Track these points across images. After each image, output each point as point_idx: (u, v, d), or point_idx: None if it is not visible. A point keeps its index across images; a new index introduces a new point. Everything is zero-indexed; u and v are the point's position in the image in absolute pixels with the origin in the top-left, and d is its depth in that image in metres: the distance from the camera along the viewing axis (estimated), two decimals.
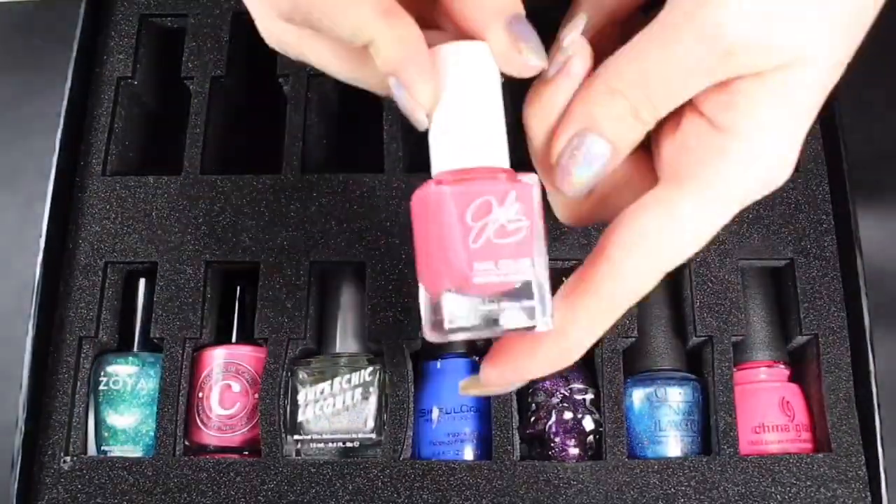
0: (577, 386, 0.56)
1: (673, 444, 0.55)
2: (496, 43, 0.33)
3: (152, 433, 0.56)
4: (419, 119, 0.33)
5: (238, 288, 0.60)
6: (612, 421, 0.54)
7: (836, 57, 0.32)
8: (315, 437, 0.56)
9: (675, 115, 0.33)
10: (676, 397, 0.56)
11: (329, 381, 0.57)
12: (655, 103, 0.32)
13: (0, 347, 0.64)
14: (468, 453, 0.56)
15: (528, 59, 0.33)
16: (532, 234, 0.33)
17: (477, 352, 0.58)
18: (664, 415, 0.56)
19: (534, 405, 0.56)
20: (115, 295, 0.59)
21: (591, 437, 0.55)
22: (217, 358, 0.58)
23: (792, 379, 0.58)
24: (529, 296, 0.33)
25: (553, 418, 0.55)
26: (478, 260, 0.33)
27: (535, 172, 0.35)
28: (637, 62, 0.32)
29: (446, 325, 0.33)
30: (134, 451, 0.57)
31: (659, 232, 0.32)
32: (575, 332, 0.33)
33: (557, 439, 0.55)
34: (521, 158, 0.36)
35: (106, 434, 0.57)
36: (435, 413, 0.57)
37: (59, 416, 0.56)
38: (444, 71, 0.33)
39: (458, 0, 0.33)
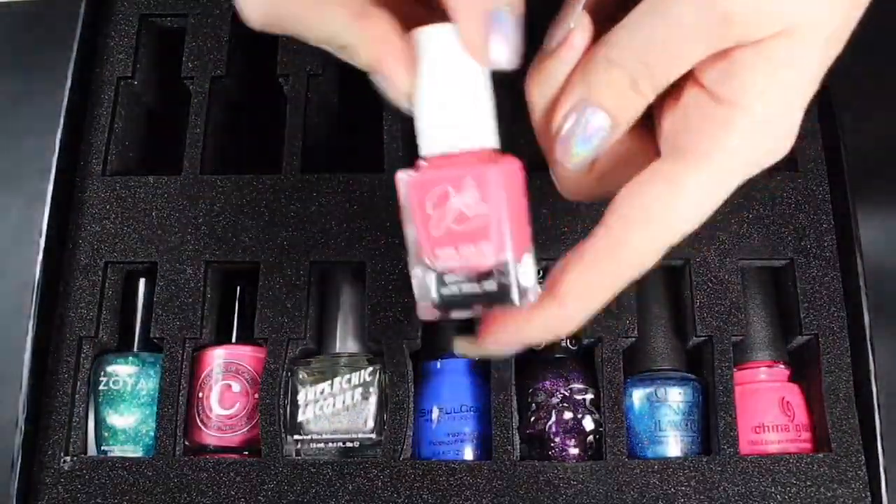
0: (577, 386, 0.56)
1: (673, 444, 0.55)
2: (463, 29, 0.34)
3: (152, 433, 0.56)
4: (404, 106, 0.35)
5: (238, 288, 0.60)
6: (612, 421, 0.54)
7: (836, 25, 0.32)
8: (315, 437, 0.56)
9: (676, 89, 0.33)
10: (676, 397, 0.56)
11: (329, 381, 0.57)
12: (654, 74, 0.32)
13: (0, 347, 0.65)
14: (468, 453, 0.56)
15: (491, 52, 0.34)
16: (494, 217, 0.34)
17: None
18: (664, 415, 0.56)
19: (534, 405, 0.56)
20: (115, 295, 0.59)
21: (591, 437, 0.55)
22: (217, 358, 0.58)
23: (792, 379, 0.58)
24: (504, 276, 0.34)
25: (553, 418, 0.55)
26: (439, 246, 0.34)
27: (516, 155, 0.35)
28: (634, 32, 0.32)
29: (428, 303, 0.34)
30: (134, 451, 0.57)
31: (661, 205, 0.33)
32: (572, 303, 0.34)
33: (557, 439, 0.55)
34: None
35: (106, 434, 0.57)
36: (435, 413, 0.57)
37: (59, 416, 0.56)
38: (421, 54, 0.34)
39: None
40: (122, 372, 0.57)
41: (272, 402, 0.55)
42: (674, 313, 0.58)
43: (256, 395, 0.57)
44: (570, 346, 0.58)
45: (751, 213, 0.58)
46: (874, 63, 0.71)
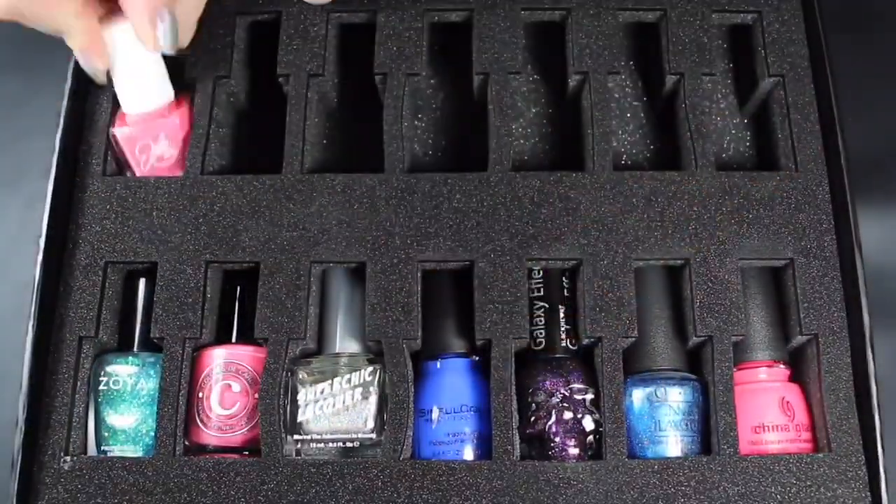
0: (577, 386, 0.56)
1: (673, 444, 0.55)
2: (136, 26, 0.51)
3: (152, 433, 0.56)
4: (99, 80, 0.56)
5: (238, 288, 0.60)
6: (612, 421, 0.54)
7: None
8: (315, 437, 0.56)
9: None
10: (676, 397, 0.56)
11: (329, 381, 0.57)
12: None
13: (0, 347, 0.65)
14: (468, 453, 0.56)
15: (158, 41, 0.51)
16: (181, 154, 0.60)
17: (477, 352, 0.58)
18: (664, 415, 0.56)
19: (534, 405, 0.56)
20: (115, 295, 0.59)
21: (591, 437, 0.55)
22: (217, 358, 0.58)
23: (792, 379, 0.58)
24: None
25: (553, 418, 0.55)
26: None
27: None
28: None
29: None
30: (134, 451, 0.57)
31: None
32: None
33: (557, 439, 0.55)
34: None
35: (106, 434, 0.57)
36: (435, 413, 0.57)
37: (59, 416, 0.56)
38: (113, 44, 0.55)
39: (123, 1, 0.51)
40: (122, 372, 0.57)
41: (272, 402, 0.55)
42: (674, 313, 0.58)
43: (256, 395, 0.57)
44: (570, 346, 0.58)
45: (751, 213, 0.58)
46: (874, 63, 0.71)
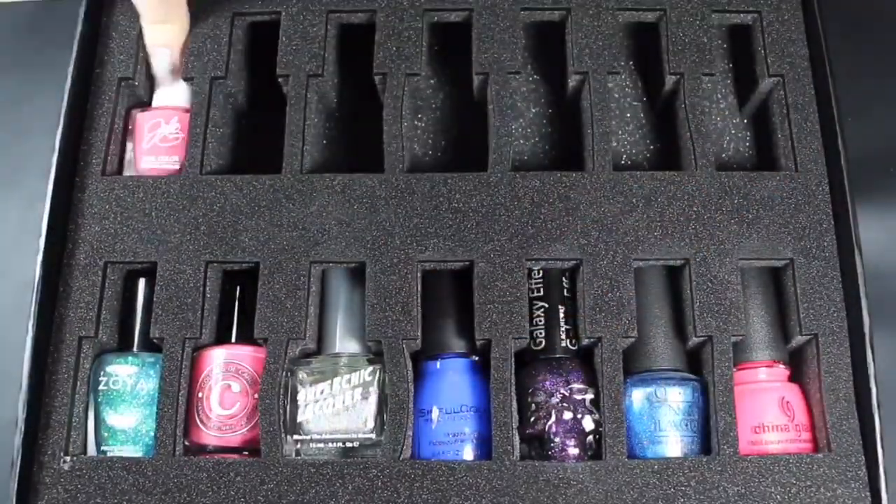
0: (577, 386, 0.56)
1: (673, 444, 0.55)
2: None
3: (152, 433, 0.56)
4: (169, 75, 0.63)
5: (238, 288, 0.60)
6: (612, 421, 0.54)
7: None
8: (315, 437, 0.56)
9: None
10: (676, 397, 0.56)
11: (329, 382, 0.57)
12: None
13: (0, 347, 0.64)
14: (468, 453, 0.56)
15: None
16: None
17: (477, 352, 0.58)
18: (664, 415, 0.56)
19: (534, 405, 0.56)
20: (114, 295, 0.59)
21: (590, 437, 0.55)
22: (217, 358, 0.58)
23: (792, 379, 0.58)
24: None
25: (553, 418, 0.55)
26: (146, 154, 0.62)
27: None
28: None
29: None
30: (134, 451, 0.57)
31: None
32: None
33: (557, 439, 0.55)
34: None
35: (106, 434, 0.57)
36: (435, 413, 0.57)
37: (59, 416, 0.56)
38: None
39: None
40: (122, 372, 0.57)
41: (272, 403, 0.55)
42: (674, 313, 0.58)
43: (256, 396, 0.57)
44: (570, 345, 0.58)
45: (751, 212, 0.58)
46: (874, 63, 0.71)
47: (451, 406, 0.57)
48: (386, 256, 0.57)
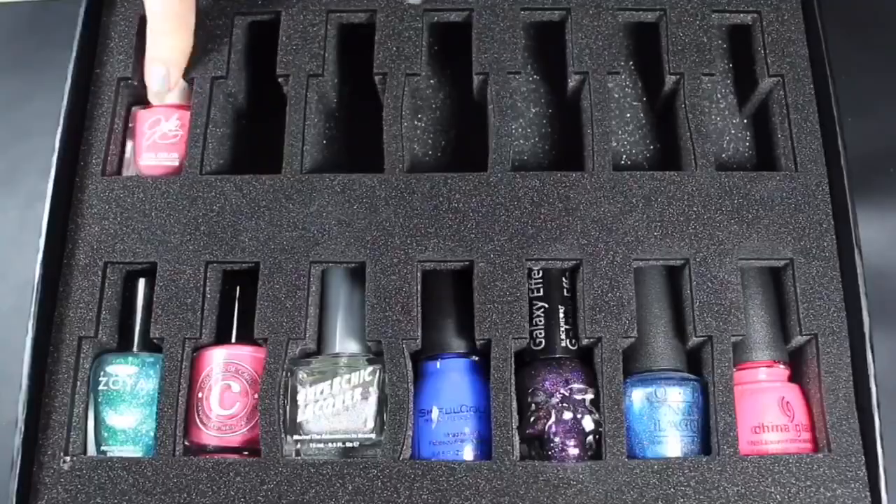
0: (577, 386, 0.56)
1: (672, 444, 0.55)
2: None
3: (152, 433, 0.56)
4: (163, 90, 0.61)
5: (238, 288, 0.60)
6: (612, 421, 0.54)
7: None
8: (315, 437, 0.56)
9: None
10: (676, 397, 0.56)
11: (329, 382, 0.57)
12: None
13: (0, 347, 0.65)
14: (468, 453, 0.56)
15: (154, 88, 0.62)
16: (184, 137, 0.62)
17: (477, 352, 0.58)
18: (664, 415, 0.56)
19: (534, 405, 0.56)
20: (114, 295, 0.59)
21: (590, 437, 0.55)
22: (217, 358, 0.58)
23: (792, 379, 0.58)
24: None
25: (553, 418, 0.55)
26: (146, 151, 0.62)
27: None
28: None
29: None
30: (134, 452, 0.57)
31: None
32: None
33: (557, 439, 0.55)
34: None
35: (105, 434, 0.57)
36: (435, 413, 0.57)
37: (59, 416, 0.56)
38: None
39: None
40: (122, 372, 0.57)
41: (272, 403, 0.55)
42: (674, 313, 0.58)
43: (256, 396, 0.57)
44: (570, 346, 0.58)
45: (751, 212, 0.58)
46: (874, 63, 0.71)
47: (451, 406, 0.57)
48: (386, 256, 0.57)
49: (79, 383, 0.57)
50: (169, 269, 0.58)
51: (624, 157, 0.67)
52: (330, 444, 0.56)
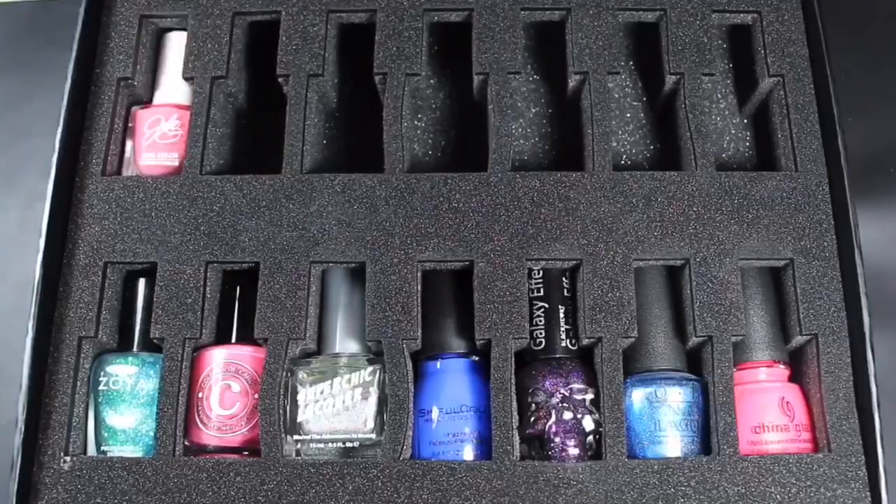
0: (577, 386, 0.56)
1: (673, 444, 0.55)
2: None
3: (152, 433, 0.56)
4: None
5: (238, 288, 0.60)
6: (612, 421, 0.54)
7: None
8: (315, 437, 0.56)
9: None
10: (676, 397, 0.56)
11: (329, 382, 0.57)
12: None
13: (0, 347, 0.65)
14: (468, 453, 0.56)
15: None
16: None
17: (477, 352, 0.58)
18: (664, 415, 0.56)
19: (534, 405, 0.56)
20: (114, 295, 0.59)
21: (590, 437, 0.55)
22: (217, 358, 0.58)
23: (792, 379, 0.58)
24: None
25: (553, 418, 0.55)
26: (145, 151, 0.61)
27: None
28: None
29: None
30: (134, 452, 0.57)
31: None
32: None
33: (557, 439, 0.55)
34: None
35: (106, 434, 0.57)
36: (435, 413, 0.57)
37: (59, 416, 0.56)
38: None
39: None
40: (122, 372, 0.57)
41: (272, 403, 0.55)
42: (674, 313, 0.58)
43: (256, 396, 0.57)
44: (570, 346, 0.58)
45: (751, 212, 0.58)
46: (874, 63, 0.71)
47: (451, 406, 0.57)
48: (386, 256, 0.57)
49: (79, 383, 0.57)
50: (169, 269, 0.58)
51: (624, 157, 0.67)
52: (330, 444, 0.56)
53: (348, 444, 0.56)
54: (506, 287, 0.57)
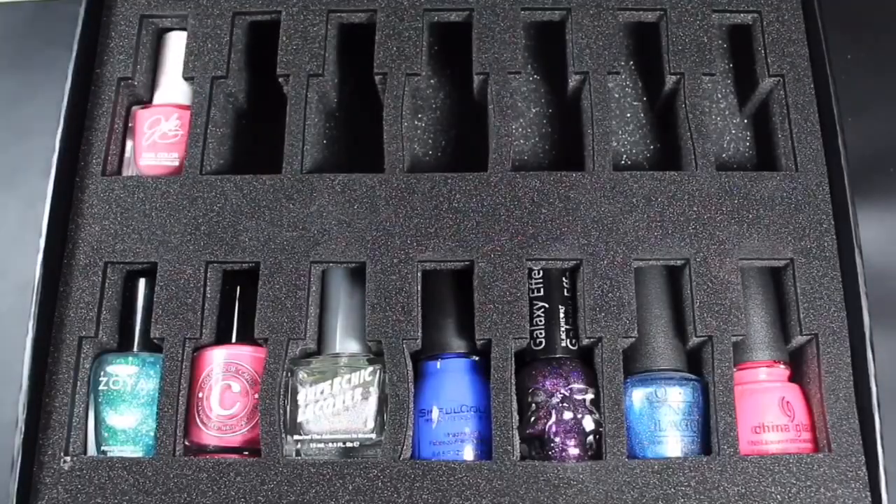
0: (577, 386, 0.56)
1: (673, 444, 0.55)
2: None
3: (152, 433, 0.56)
4: None
5: (238, 288, 0.60)
6: (612, 421, 0.54)
7: None
8: (315, 437, 0.56)
9: None
10: (676, 397, 0.56)
11: (329, 382, 0.57)
12: None
13: (0, 347, 0.64)
14: (468, 453, 0.56)
15: None
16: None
17: (477, 352, 0.58)
18: (664, 415, 0.56)
19: (534, 405, 0.56)
20: (114, 295, 0.59)
21: (591, 437, 0.55)
22: (217, 358, 0.58)
23: (792, 379, 0.58)
24: None
25: (553, 418, 0.55)
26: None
27: None
28: None
29: None
30: (134, 452, 0.57)
31: None
32: None
33: (557, 439, 0.55)
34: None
35: (106, 434, 0.57)
36: (435, 413, 0.57)
37: (59, 416, 0.56)
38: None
39: None
40: (122, 372, 0.57)
41: (272, 403, 0.55)
42: (674, 313, 0.58)
43: (256, 396, 0.57)
44: (570, 346, 0.58)
45: (751, 212, 0.58)
46: (874, 63, 0.71)
47: (452, 406, 0.57)
48: (386, 256, 0.57)
49: (79, 383, 0.57)
50: (169, 269, 0.58)
51: (624, 157, 0.67)
52: (330, 444, 0.56)
53: (348, 444, 0.56)
54: (506, 287, 0.57)
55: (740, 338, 0.56)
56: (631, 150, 0.67)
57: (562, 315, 0.58)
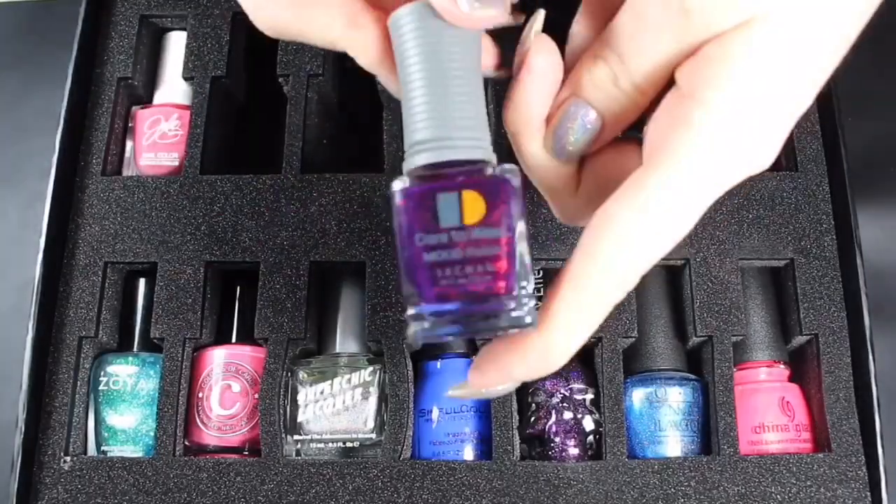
0: (577, 386, 0.56)
1: (673, 444, 0.55)
2: None
3: (152, 433, 0.56)
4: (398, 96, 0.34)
5: (238, 288, 0.60)
6: (612, 421, 0.54)
7: (809, 13, 0.30)
8: (315, 437, 0.56)
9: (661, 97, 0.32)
10: (676, 397, 0.56)
11: (329, 381, 0.57)
12: (629, 68, 0.31)
13: (0, 347, 0.64)
14: (468, 453, 0.56)
15: (465, 8, 0.30)
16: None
17: (477, 352, 0.58)
18: (664, 415, 0.56)
19: (534, 405, 0.56)
20: (114, 295, 0.59)
21: (591, 437, 0.55)
22: (217, 358, 0.58)
23: (792, 379, 0.58)
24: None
25: (553, 418, 0.55)
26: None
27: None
28: (613, 28, 0.32)
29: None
30: (134, 452, 0.57)
31: (629, 217, 0.30)
32: (555, 333, 0.33)
33: (557, 439, 0.55)
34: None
35: (106, 434, 0.57)
36: (435, 413, 0.57)
37: (59, 416, 0.56)
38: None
39: None
40: (122, 372, 0.57)
41: (272, 403, 0.55)
42: (674, 313, 0.58)
43: (256, 396, 0.57)
44: None
45: (751, 213, 0.58)
46: (874, 63, 0.71)
47: (452, 406, 0.57)
48: (386, 256, 0.57)
49: (79, 383, 0.57)
50: (169, 269, 0.58)
51: None
52: (330, 444, 0.56)
53: (348, 444, 0.56)
54: None
55: (740, 338, 0.56)
56: None
57: None
